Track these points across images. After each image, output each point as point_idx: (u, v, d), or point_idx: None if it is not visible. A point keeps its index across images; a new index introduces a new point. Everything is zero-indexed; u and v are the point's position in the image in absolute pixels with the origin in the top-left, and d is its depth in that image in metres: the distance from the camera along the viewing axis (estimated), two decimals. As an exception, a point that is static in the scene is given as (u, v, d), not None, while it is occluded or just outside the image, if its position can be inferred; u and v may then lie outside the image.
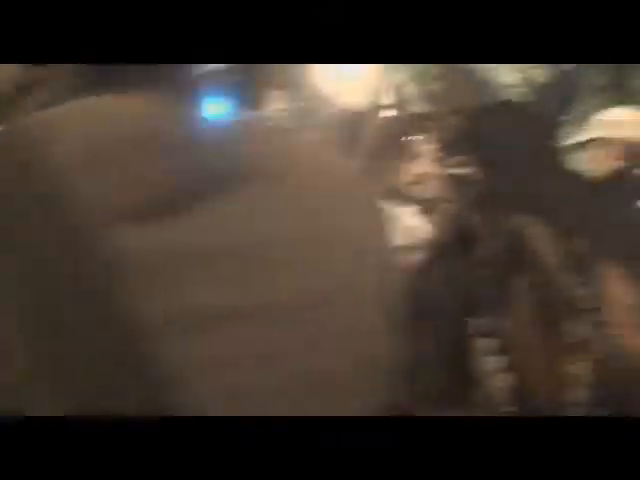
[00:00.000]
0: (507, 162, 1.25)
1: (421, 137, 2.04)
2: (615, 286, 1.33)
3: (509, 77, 18.74)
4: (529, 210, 1.29)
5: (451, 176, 1.24)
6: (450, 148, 1.28)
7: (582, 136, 2.58)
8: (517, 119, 1.38)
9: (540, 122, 1.47)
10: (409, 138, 2.24)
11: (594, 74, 24.54)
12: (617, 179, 2.40)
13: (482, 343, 1.30)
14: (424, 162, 1.46)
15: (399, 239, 1.27)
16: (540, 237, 1.28)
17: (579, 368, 1.30)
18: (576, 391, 1.37)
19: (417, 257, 1.32)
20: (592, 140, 2.54)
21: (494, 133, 1.31)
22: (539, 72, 19.61)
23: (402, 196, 1.59)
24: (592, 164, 2.32)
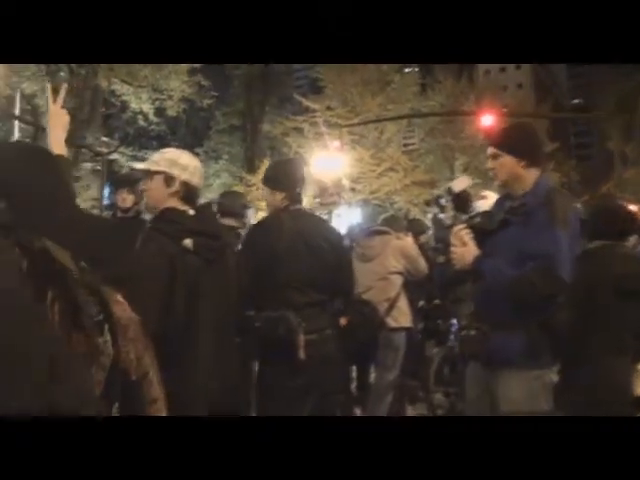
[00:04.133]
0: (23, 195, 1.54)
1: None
2: (117, 308, 1.66)
3: (144, 106, 19.79)
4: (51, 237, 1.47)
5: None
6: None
7: (145, 165, 2.90)
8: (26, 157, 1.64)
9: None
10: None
11: (226, 113, 26.08)
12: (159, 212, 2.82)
13: None
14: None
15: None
16: (66, 258, 1.46)
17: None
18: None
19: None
20: (156, 172, 2.79)
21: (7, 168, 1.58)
22: (170, 104, 20.47)
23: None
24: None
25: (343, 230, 6.32)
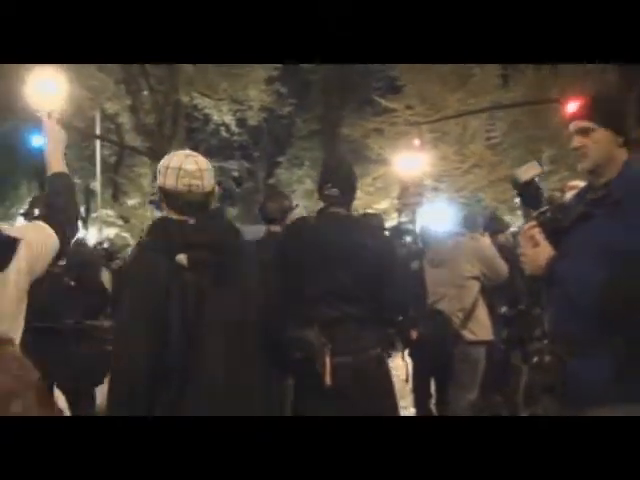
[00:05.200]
0: None
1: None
2: None
3: (225, 117, 19.99)
4: None
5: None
6: None
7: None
8: None
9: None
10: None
11: (306, 120, 26.28)
12: None
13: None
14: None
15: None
16: None
17: None
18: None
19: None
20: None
21: None
22: (251, 114, 20.81)
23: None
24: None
25: (416, 231, 5.86)
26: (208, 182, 2.45)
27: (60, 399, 1.49)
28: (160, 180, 2.46)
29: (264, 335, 2.48)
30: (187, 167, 2.41)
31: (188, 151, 2.53)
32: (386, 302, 3.03)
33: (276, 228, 4.35)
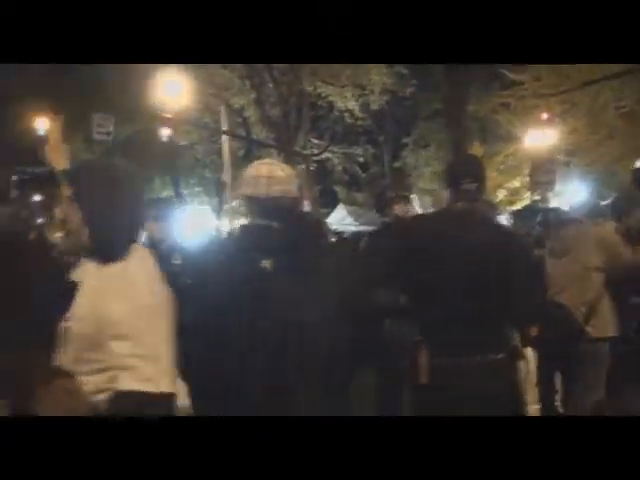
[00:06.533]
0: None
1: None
2: None
3: (349, 103, 19.18)
4: None
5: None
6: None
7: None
8: None
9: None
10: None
11: (429, 100, 23.85)
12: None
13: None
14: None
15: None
16: None
17: None
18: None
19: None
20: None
21: None
22: (373, 98, 19.39)
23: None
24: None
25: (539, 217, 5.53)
26: (296, 187, 2.54)
27: None
28: (247, 190, 2.53)
29: (356, 334, 2.47)
30: (277, 174, 2.50)
31: (269, 160, 2.65)
32: (513, 305, 2.87)
33: (387, 218, 4.30)
